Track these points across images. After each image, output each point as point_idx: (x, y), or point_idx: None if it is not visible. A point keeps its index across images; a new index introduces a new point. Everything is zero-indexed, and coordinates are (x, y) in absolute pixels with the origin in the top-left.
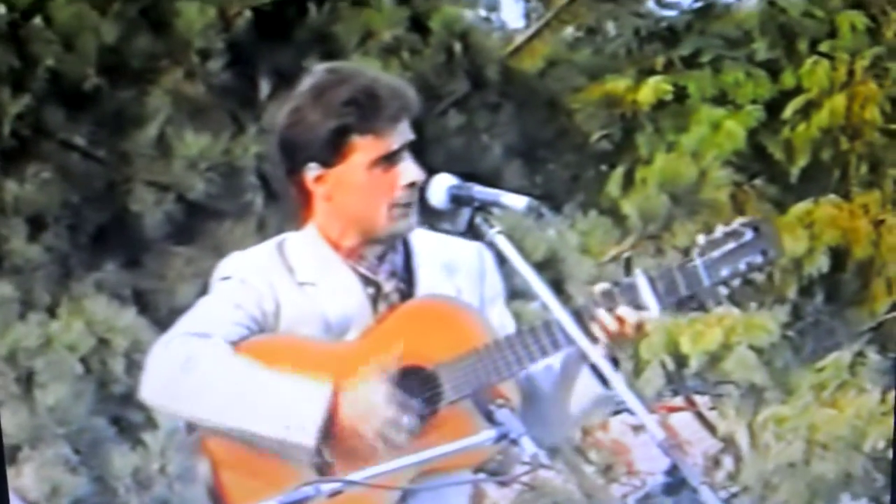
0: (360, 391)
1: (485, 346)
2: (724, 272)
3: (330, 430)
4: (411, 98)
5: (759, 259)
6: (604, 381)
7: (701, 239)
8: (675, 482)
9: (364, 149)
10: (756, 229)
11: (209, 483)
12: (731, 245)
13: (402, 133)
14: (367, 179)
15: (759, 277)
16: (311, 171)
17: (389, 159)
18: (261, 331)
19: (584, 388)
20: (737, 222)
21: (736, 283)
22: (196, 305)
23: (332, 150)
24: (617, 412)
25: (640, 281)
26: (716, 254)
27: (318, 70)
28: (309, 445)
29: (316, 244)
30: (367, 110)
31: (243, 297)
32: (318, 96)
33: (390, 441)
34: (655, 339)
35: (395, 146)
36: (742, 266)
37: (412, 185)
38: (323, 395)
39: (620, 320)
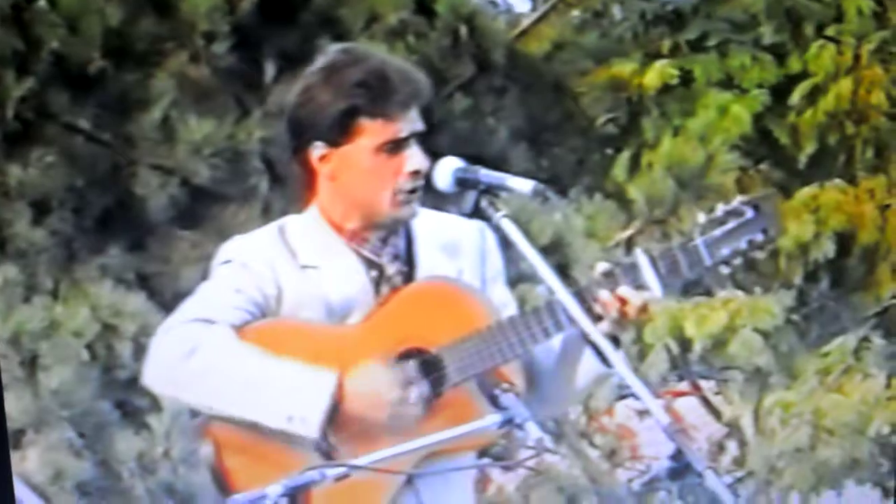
0: (364, 377)
1: (488, 327)
2: (725, 251)
3: (334, 420)
4: (423, 85)
5: (759, 237)
6: (605, 360)
7: (701, 218)
8: (680, 467)
9: (372, 132)
10: (756, 207)
11: (213, 466)
12: (731, 224)
13: (412, 121)
14: (372, 163)
15: (760, 256)
16: (317, 149)
17: (396, 145)
18: (263, 315)
19: (586, 366)
20: (737, 201)
21: (737, 261)
22: (197, 290)
23: (340, 131)
24: (622, 397)
25: (642, 260)
26: (717, 233)
27: (331, 50)
28: (312, 437)
29: (318, 227)
30: (377, 93)
31: (244, 281)
32: (330, 76)
33: (401, 419)
34: (660, 323)
35: (403, 133)
36: (743, 244)
37: (416, 173)
38: (327, 385)
39: (622, 300)
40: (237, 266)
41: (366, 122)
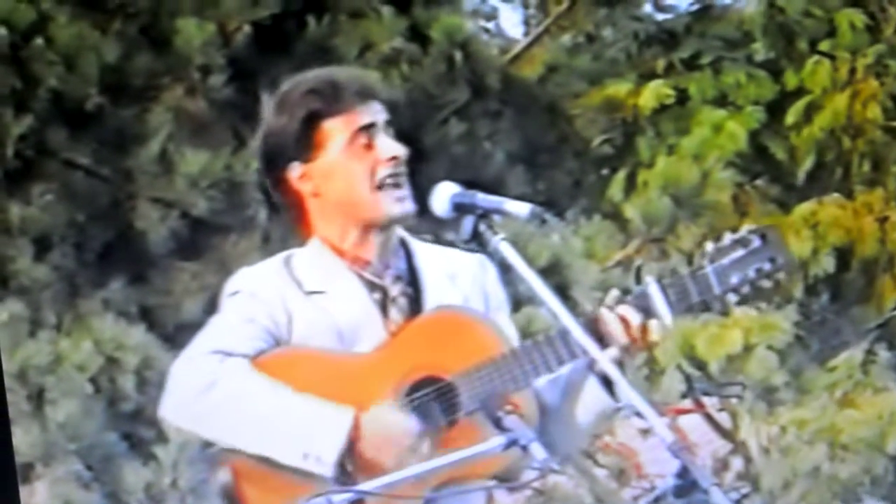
0: (380, 420)
1: (502, 355)
2: (734, 279)
3: (348, 458)
4: (373, 81)
5: (767, 266)
6: (611, 392)
7: (710, 247)
8: (686, 484)
9: (336, 130)
10: (763, 237)
11: (230, 493)
12: (739, 252)
13: (374, 111)
14: (346, 161)
15: (767, 285)
16: (294, 170)
17: (365, 135)
18: (276, 343)
19: (592, 400)
20: (744, 230)
21: (745, 290)
22: (210, 323)
23: (307, 142)
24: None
25: (652, 289)
26: (725, 261)
27: (282, 85)
28: (326, 476)
29: (321, 254)
30: (328, 93)
31: (255, 311)
32: (282, 101)
33: (410, 460)
34: (671, 344)
35: (365, 120)
36: (751, 273)
37: (394, 158)
38: (343, 424)
39: (624, 321)
40: (246, 296)
41: (328, 125)
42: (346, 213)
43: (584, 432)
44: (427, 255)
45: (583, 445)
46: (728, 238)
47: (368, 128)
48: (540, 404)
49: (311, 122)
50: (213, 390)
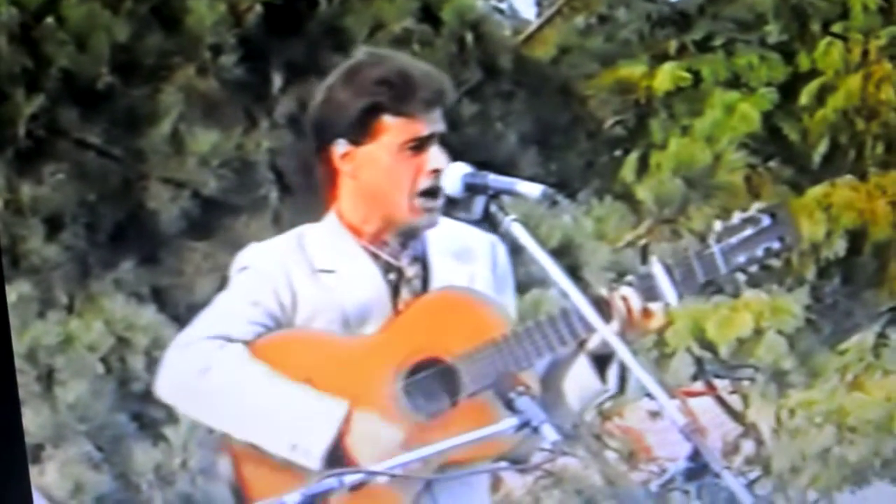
0: (369, 428)
1: (503, 336)
2: (741, 259)
3: (338, 452)
4: (446, 86)
5: (776, 245)
6: (601, 375)
7: (718, 226)
8: (698, 467)
9: (394, 130)
10: (773, 215)
11: (231, 478)
12: (748, 231)
13: (434, 121)
14: (393, 161)
15: (776, 264)
16: (340, 146)
17: (418, 144)
18: (279, 325)
19: (578, 380)
20: (753, 208)
21: (753, 269)
22: (214, 302)
23: (362, 129)
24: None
25: (657, 270)
26: (733, 240)
27: (358, 53)
28: (313, 468)
29: (336, 232)
30: (399, 91)
31: (260, 291)
32: (352, 75)
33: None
34: (681, 326)
35: (424, 132)
36: (759, 252)
37: (436, 171)
38: (334, 418)
39: (625, 300)
40: (253, 273)
41: (388, 120)
42: (376, 206)
43: (578, 408)
44: (440, 232)
45: (577, 420)
46: (737, 217)
47: (425, 137)
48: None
49: (372, 112)
50: (207, 375)
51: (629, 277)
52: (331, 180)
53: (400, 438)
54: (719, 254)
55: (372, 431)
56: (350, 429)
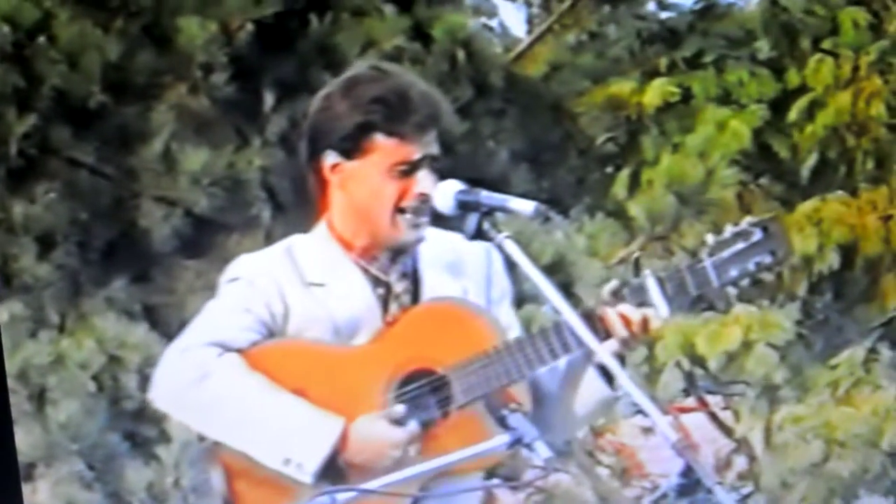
0: (368, 433)
1: (495, 348)
2: (734, 272)
3: (335, 464)
4: (443, 109)
5: (768, 259)
6: (610, 382)
7: (710, 239)
8: (690, 483)
9: (385, 151)
10: (765, 229)
11: (223, 493)
12: (740, 245)
13: (427, 144)
14: (380, 181)
15: (768, 278)
16: (330, 157)
17: (409, 167)
18: (271, 334)
19: (590, 389)
20: (745, 222)
21: (745, 282)
22: (205, 310)
23: (353, 144)
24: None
25: (649, 282)
26: (725, 254)
27: (360, 65)
28: (305, 482)
29: (326, 244)
30: (395, 112)
31: (252, 300)
32: (350, 88)
33: (398, 467)
34: (671, 341)
35: (416, 155)
36: (751, 266)
37: (423, 195)
38: (330, 435)
39: (625, 318)
40: (244, 284)
41: (380, 140)
42: (362, 220)
43: (582, 421)
44: (431, 247)
45: (579, 434)
46: (729, 231)
47: (416, 161)
48: (538, 392)
49: (364, 130)
50: (204, 383)
51: (621, 289)
52: (322, 190)
53: (400, 435)
54: (711, 267)
55: (371, 439)
56: (348, 444)
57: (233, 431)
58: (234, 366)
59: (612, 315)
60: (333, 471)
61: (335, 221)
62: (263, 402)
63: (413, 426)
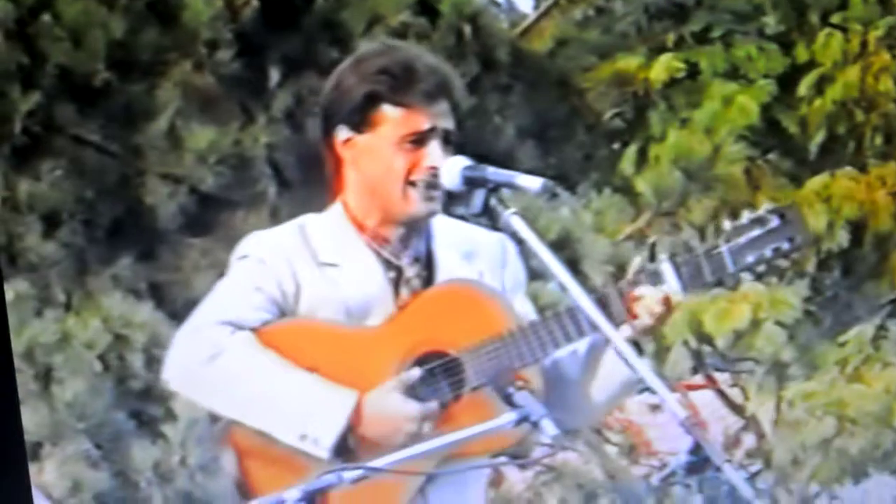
0: (382, 404)
1: (509, 331)
2: (750, 258)
3: (347, 441)
4: (452, 81)
5: (785, 245)
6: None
7: (727, 225)
8: (699, 461)
9: (393, 122)
10: (782, 216)
11: (235, 473)
12: (756, 231)
13: (436, 115)
14: (391, 153)
15: (784, 264)
16: (342, 133)
17: (418, 138)
18: (282, 314)
19: (612, 372)
20: (763, 208)
21: (761, 268)
22: (216, 288)
23: (362, 117)
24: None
25: (665, 267)
26: (742, 240)
27: (370, 43)
28: (322, 457)
29: (340, 224)
30: (400, 81)
31: (263, 279)
32: (359, 63)
33: (413, 441)
34: (678, 318)
35: (424, 126)
36: (768, 252)
37: (433, 168)
38: (344, 408)
39: (650, 303)
40: (255, 262)
41: (388, 110)
42: (374, 196)
43: (605, 404)
44: (446, 233)
45: (602, 418)
46: (746, 217)
47: (426, 132)
48: (560, 378)
49: (371, 101)
50: (216, 361)
51: (636, 273)
52: (337, 169)
53: (415, 408)
54: (728, 253)
55: (385, 412)
56: (362, 417)
57: (247, 409)
58: (247, 343)
59: (634, 301)
60: (349, 446)
61: (350, 202)
62: (277, 378)
63: (432, 402)
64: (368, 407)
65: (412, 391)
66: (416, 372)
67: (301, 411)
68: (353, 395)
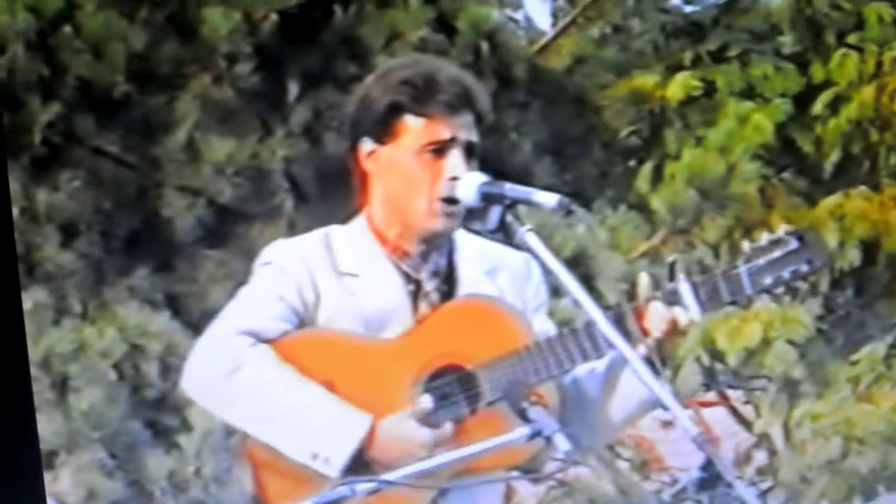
0: (396, 432)
1: (526, 347)
2: (768, 280)
3: (358, 462)
4: (474, 92)
5: (804, 268)
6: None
7: (746, 247)
8: (710, 477)
9: (414, 132)
10: (801, 238)
11: (251, 489)
12: (776, 253)
13: (458, 126)
14: (412, 164)
15: (802, 286)
16: (366, 145)
17: (439, 148)
18: (301, 323)
19: (630, 391)
20: (782, 230)
21: (779, 290)
22: (238, 296)
23: (384, 127)
24: None
25: (683, 287)
26: (760, 262)
27: (390, 59)
28: (332, 477)
29: (363, 236)
30: (422, 92)
31: (284, 287)
32: (384, 75)
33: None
34: (691, 335)
35: (444, 135)
36: (786, 274)
37: (454, 179)
38: (357, 431)
39: (661, 320)
40: (277, 269)
41: (410, 121)
42: (397, 210)
43: (623, 423)
44: (469, 250)
45: (620, 435)
46: (765, 238)
47: (447, 141)
48: (578, 396)
49: (393, 111)
50: (236, 375)
51: (655, 292)
52: (363, 183)
53: (429, 436)
54: (746, 274)
55: (399, 439)
56: (375, 441)
57: (261, 425)
58: (265, 358)
59: (650, 315)
60: (360, 467)
61: (374, 214)
62: (292, 396)
63: (445, 428)
64: (382, 431)
65: (428, 415)
66: (429, 401)
67: (315, 430)
68: (368, 419)
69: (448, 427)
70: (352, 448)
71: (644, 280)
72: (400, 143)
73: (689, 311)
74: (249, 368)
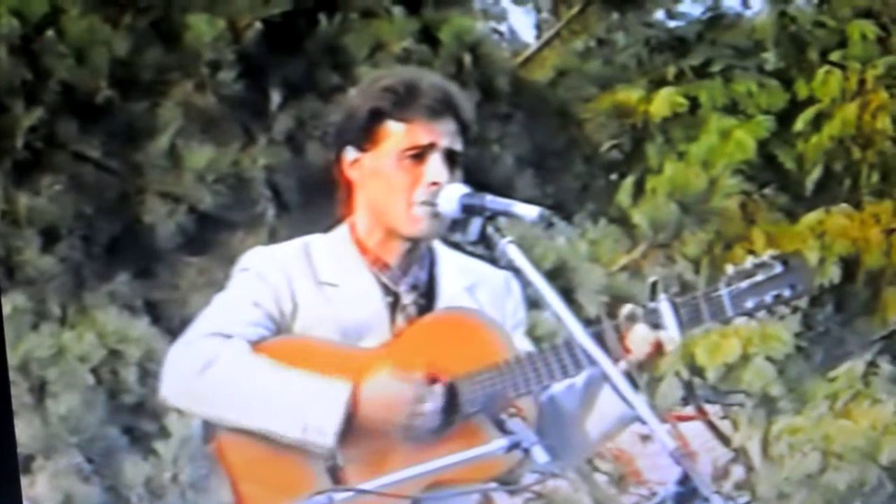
0: (378, 385)
1: (505, 361)
2: (749, 304)
3: (349, 430)
4: (456, 99)
5: (787, 293)
6: (627, 400)
7: (730, 269)
8: (687, 492)
9: (395, 137)
10: (786, 263)
11: (229, 496)
12: (759, 277)
13: (438, 132)
14: (394, 169)
15: (784, 311)
16: (349, 153)
17: (419, 153)
18: (278, 330)
19: (609, 407)
20: (767, 255)
21: (760, 314)
22: (214, 302)
23: (366, 134)
24: None
25: (664, 307)
26: (743, 285)
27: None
28: (327, 446)
29: (344, 245)
30: (403, 97)
31: (261, 294)
32: (368, 85)
33: (414, 431)
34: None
35: (424, 140)
36: (768, 299)
37: (434, 184)
38: (342, 395)
39: (643, 341)
40: (255, 276)
41: (391, 126)
42: (377, 214)
43: (600, 438)
44: (450, 265)
45: (597, 451)
46: (749, 262)
47: (426, 146)
48: (556, 411)
49: (375, 118)
50: (210, 369)
51: (634, 310)
52: (347, 192)
53: (410, 392)
54: (727, 297)
55: (382, 394)
56: (359, 401)
57: (246, 411)
58: (240, 349)
59: (632, 335)
60: (352, 436)
61: (357, 223)
62: (271, 377)
63: (417, 376)
64: (364, 393)
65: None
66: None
67: (300, 404)
68: (348, 384)
69: (424, 382)
70: (341, 412)
71: (627, 309)
72: (382, 149)
73: (669, 332)
74: (223, 360)
